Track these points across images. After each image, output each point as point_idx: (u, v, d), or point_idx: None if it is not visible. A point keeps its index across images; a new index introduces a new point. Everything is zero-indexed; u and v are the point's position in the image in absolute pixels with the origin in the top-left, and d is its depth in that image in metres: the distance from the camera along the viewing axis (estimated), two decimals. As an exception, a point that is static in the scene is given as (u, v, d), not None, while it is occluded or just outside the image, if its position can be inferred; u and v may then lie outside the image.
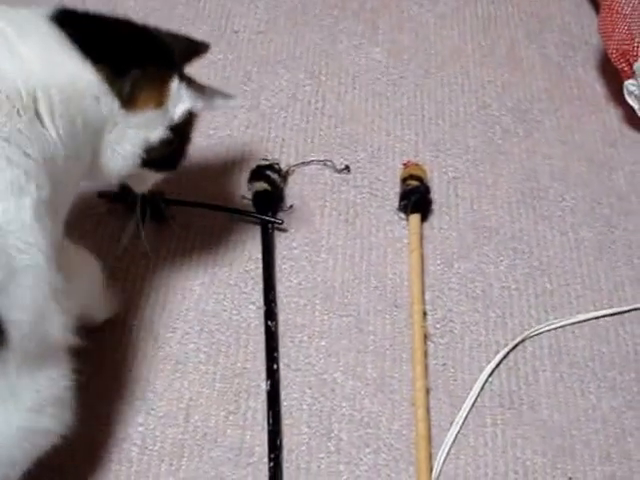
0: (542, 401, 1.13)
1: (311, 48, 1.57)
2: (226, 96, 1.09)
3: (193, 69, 1.06)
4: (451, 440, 1.08)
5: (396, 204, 1.31)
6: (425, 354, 1.15)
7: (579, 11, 1.68)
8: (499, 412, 1.11)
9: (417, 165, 1.34)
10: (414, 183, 1.30)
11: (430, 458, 1.06)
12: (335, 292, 1.22)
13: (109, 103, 0.94)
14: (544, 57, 1.60)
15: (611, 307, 1.23)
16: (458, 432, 1.09)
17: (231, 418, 1.08)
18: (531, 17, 1.67)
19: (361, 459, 1.06)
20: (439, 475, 1.05)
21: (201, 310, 1.18)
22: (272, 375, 1.12)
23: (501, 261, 1.27)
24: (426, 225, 1.30)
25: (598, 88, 1.54)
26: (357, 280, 1.24)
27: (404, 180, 1.32)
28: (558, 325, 1.21)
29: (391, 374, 1.14)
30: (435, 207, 1.33)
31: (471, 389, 1.12)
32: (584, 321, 1.21)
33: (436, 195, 1.34)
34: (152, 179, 1.10)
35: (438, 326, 1.20)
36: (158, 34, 1.05)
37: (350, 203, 1.32)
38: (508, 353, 1.16)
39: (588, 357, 1.17)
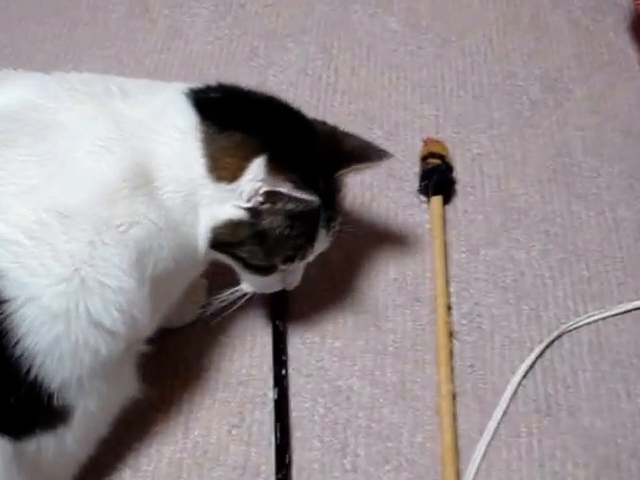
0: (582, 405, 0.90)
1: (322, 20, 1.32)
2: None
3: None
4: (481, 453, 0.86)
5: (416, 185, 1.08)
6: (450, 354, 0.92)
7: (607, -29, 1.44)
8: (534, 419, 0.89)
9: (438, 142, 1.10)
10: (435, 162, 1.07)
11: (458, 475, 0.84)
12: (349, 286, 0.99)
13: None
14: (571, 22, 1.33)
15: (658, 296, 1.01)
16: (489, 444, 0.86)
17: (234, 432, 0.87)
18: (556, -21, 1.42)
19: (380, 478, 0.85)
20: (469, 497, 0.85)
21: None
22: (280, 382, 0.90)
23: (533, 246, 1.03)
24: (449, 208, 1.07)
25: (631, 53, 1.28)
26: (374, 272, 1.01)
27: (424, 159, 1.08)
28: (598, 317, 0.97)
29: (413, 378, 0.91)
30: (458, 188, 1.09)
31: (502, 393, 0.90)
32: (627, 312, 0.97)
33: (459, 174, 1.10)
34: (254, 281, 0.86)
35: (464, 322, 0.96)
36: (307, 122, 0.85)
37: (366, 185, 1.09)
38: (543, 351, 0.93)
39: (633, 353, 0.94)
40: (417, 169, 1.10)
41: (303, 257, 0.84)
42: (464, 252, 1.03)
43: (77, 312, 0.71)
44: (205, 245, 0.80)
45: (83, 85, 0.79)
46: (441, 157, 1.08)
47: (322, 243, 0.85)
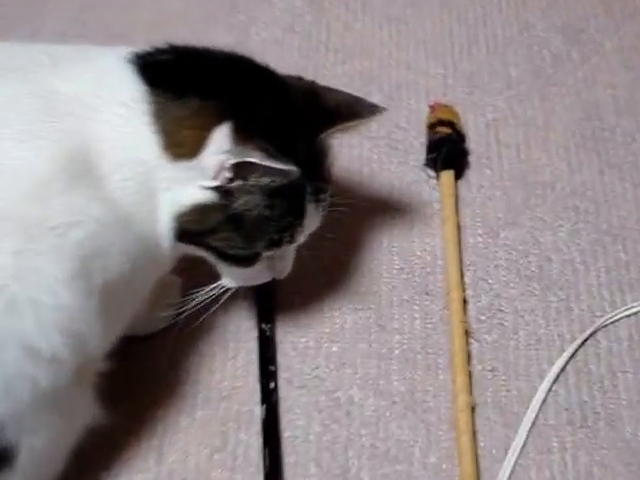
0: (623, 414, 0.77)
1: (310, -33, 1.19)
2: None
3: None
4: (507, 475, 0.73)
5: (422, 158, 0.94)
6: (468, 358, 0.79)
7: None
8: (568, 432, 0.76)
9: (447, 107, 0.96)
10: (444, 130, 0.93)
11: (480, 502, 0.74)
12: (347, 279, 0.85)
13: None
14: (596, -37, 1.20)
15: None
16: (515, 463, 0.73)
17: (216, 457, 0.73)
18: None
19: (388, 508, 0.74)
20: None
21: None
22: (268, 396, 0.76)
23: (560, 226, 0.89)
24: (462, 184, 0.93)
25: (666, -3, 1.15)
26: (375, 261, 0.87)
27: (432, 127, 0.94)
28: (639, 309, 0.84)
29: (424, 387, 0.78)
30: (472, 159, 0.94)
31: (530, 402, 0.76)
32: (672, 301, 0.86)
33: (472, 144, 0.95)
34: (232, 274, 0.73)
35: (483, 318, 0.83)
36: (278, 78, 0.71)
37: (364, 159, 0.95)
38: (576, 351, 0.80)
39: (681, 350, 0.83)
40: (423, 139, 0.96)
41: (292, 239, 0.71)
42: (480, 235, 0.89)
43: (6, 338, 0.57)
44: (169, 238, 0.67)
45: (4, 57, 0.65)
46: (451, 124, 0.93)
47: (312, 220, 0.72)
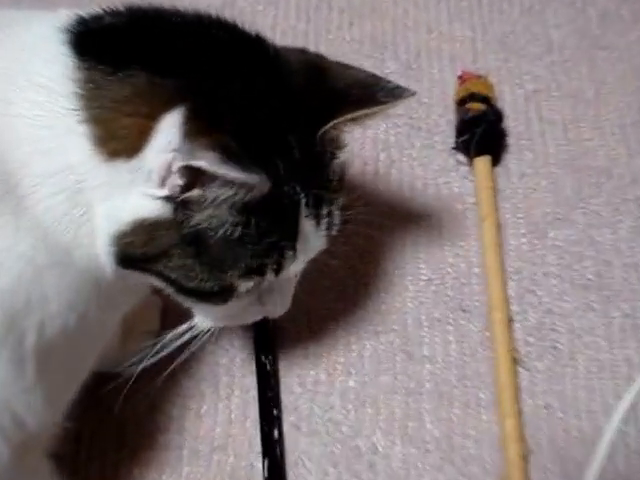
0: None
1: None
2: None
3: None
4: (570, 541, 0.62)
5: (451, 141, 0.77)
6: (516, 392, 0.65)
7: None
8: (643, 483, 0.63)
9: (479, 77, 0.79)
10: (478, 107, 0.76)
11: None
12: (365, 294, 0.70)
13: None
14: None
15: None
16: (580, 526, 0.61)
17: (208, 528, 0.61)
18: None
19: None
20: None
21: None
22: (272, 447, 0.62)
23: (620, 222, 0.73)
24: (499, 171, 0.76)
25: None
26: (398, 270, 0.71)
27: (461, 102, 0.77)
28: None
29: (463, 430, 0.63)
30: (511, 141, 0.78)
31: (594, 447, 0.61)
32: None
33: (510, 122, 0.78)
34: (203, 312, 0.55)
35: (532, 340, 0.67)
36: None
37: (380, 143, 0.78)
38: (649, 379, 0.67)
39: None
40: (451, 117, 0.79)
41: (280, 268, 0.51)
42: (524, 235, 0.73)
43: None
44: (110, 264, 0.48)
45: None
46: (485, 100, 0.76)
47: (311, 242, 0.52)
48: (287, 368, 0.66)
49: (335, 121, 0.52)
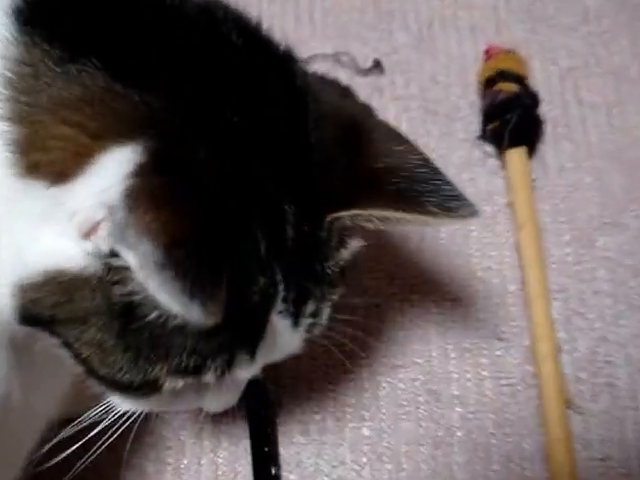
0: None
1: None
2: None
3: None
4: None
5: (476, 128, 0.64)
6: (571, 442, 0.53)
7: None
8: None
9: (509, 52, 0.66)
10: (509, 87, 0.63)
11: None
12: (378, 319, 0.56)
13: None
14: None
15: None
16: None
17: None
18: None
19: None
20: None
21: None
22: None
23: (680, 226, 0.64)
24: (535, 165, 0.64)
25: None
26: (417, 288, 0.59)
27: (489, 82, 0.64)
28: None
29: (506, 491, 0.54)
30: (548, 129, 0.65)
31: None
32: None
33: (543, 105, 0.65)
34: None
35: (584, 375, 0.55)
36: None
37: (389, 130, 0.69)
38: None
39: None
40: (474, 98, 0.66)
41: (227, 369, 0.37)
42: (568, 244, 0.60)
43: None
44: (13, 318, 0.35)
45: None
46: (518, 79, 0.63)
47: (280, 346, 0.39)
48: (287, 412, 0.54)
49: (355, 212, 0.38)
